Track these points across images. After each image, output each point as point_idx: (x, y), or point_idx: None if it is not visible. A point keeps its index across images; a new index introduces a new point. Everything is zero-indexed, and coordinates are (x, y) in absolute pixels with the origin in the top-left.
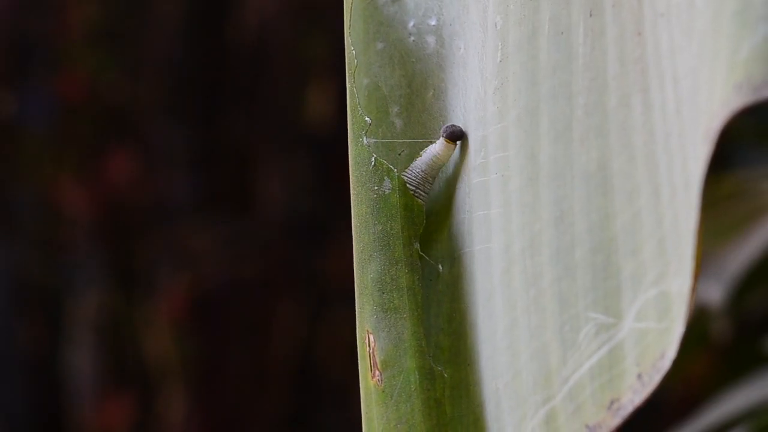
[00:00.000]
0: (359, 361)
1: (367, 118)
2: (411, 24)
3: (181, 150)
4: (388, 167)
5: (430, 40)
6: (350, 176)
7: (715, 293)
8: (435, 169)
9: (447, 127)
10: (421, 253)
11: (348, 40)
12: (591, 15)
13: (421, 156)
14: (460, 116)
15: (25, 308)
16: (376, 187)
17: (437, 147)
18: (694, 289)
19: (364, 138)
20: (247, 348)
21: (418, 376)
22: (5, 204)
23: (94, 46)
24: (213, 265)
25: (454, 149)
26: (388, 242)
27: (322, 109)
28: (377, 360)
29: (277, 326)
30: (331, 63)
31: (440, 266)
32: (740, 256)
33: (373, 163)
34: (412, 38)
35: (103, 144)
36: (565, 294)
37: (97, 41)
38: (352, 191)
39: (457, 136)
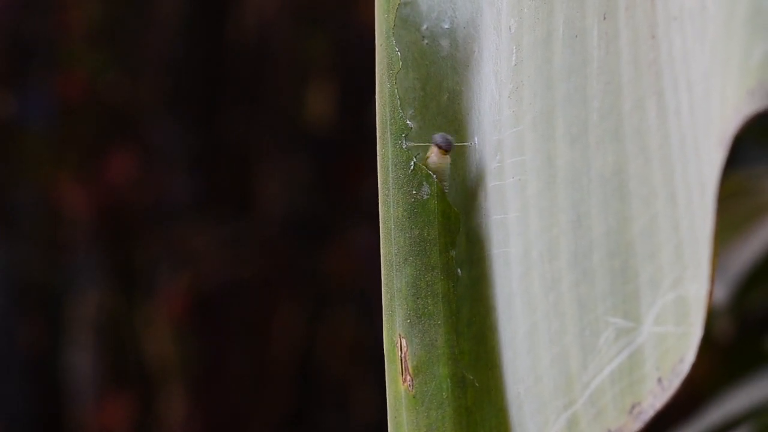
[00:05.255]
0: (387, 365)
1: (408, 122)
2: (424, 27)
3: (181, 150)
4: (428, 172)
5: (444, 43)
6: (381, 178)
7: (718, 291)
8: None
9: (436, 137)
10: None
11: (392, 40)
12: (605, 18)
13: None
14: (474, 120)
15: (25, 308)
16: (414, 192)
17: (432, 157)
18: (711, 293)
19: (404, 141)
20: (247, 348)
21: (450, 384)
22: (5, 204)
23: (94, 46)
24: (213, 265)
25: (447, 158)
26: (425, 248)
27: (322, 109)
28: (409, 365)
29: (277, 326)
30: (331, 63)
31: (459, 270)
32: (743, 254)
33: (412, 167)
34: (426, 41)
35: (103, 144)
36: (584, 298)
37: (97, 41)
38: (383, 193)
39: (446, 145)
